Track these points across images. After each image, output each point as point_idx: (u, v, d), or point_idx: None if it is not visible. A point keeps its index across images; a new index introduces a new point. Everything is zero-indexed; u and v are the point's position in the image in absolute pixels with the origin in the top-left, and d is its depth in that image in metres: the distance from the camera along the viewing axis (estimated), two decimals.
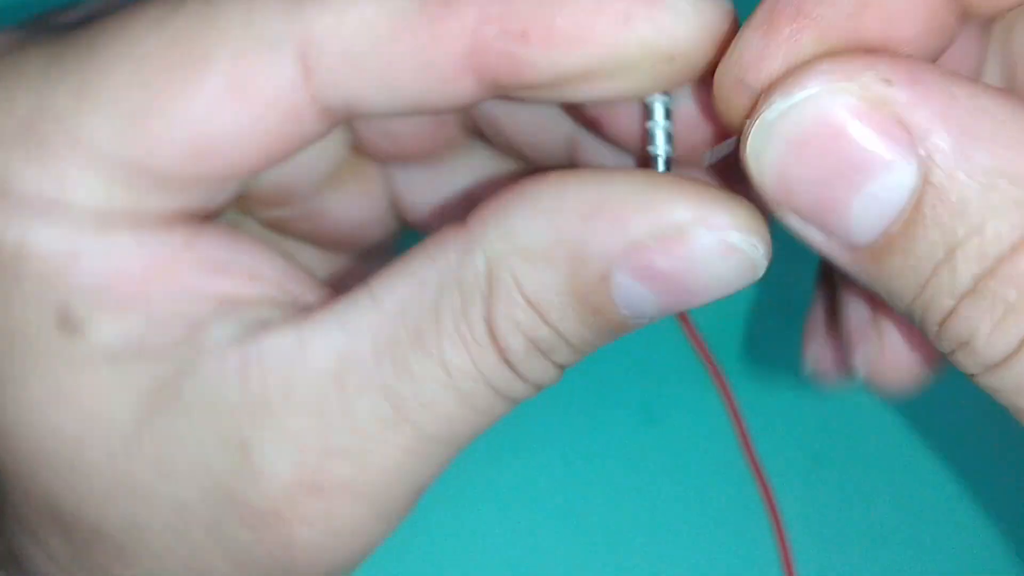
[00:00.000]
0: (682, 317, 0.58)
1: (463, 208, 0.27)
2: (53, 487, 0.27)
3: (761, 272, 0.26)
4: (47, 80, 0.26)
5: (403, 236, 0.37)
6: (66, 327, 0.26)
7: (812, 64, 0.23)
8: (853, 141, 0.23)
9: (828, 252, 0.25)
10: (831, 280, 0.34)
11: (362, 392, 0.26)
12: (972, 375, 0.24)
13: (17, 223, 0.25)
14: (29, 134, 0.25)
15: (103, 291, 0.26)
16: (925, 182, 0.23)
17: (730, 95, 0.25)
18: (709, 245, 0.25)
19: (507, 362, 0.26)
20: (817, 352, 0.34)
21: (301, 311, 0.28)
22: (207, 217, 0.28)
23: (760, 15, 0.25)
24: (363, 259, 0.37)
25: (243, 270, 0.27)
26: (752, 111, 0.24)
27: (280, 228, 0.34)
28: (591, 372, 0.52)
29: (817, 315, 0.35)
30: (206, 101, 0.25)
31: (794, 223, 0.25)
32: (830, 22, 0.24)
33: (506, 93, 0.27)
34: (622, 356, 0.56)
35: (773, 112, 0.24)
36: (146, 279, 0.26)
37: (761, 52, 0.24)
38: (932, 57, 0.25)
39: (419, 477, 0.28)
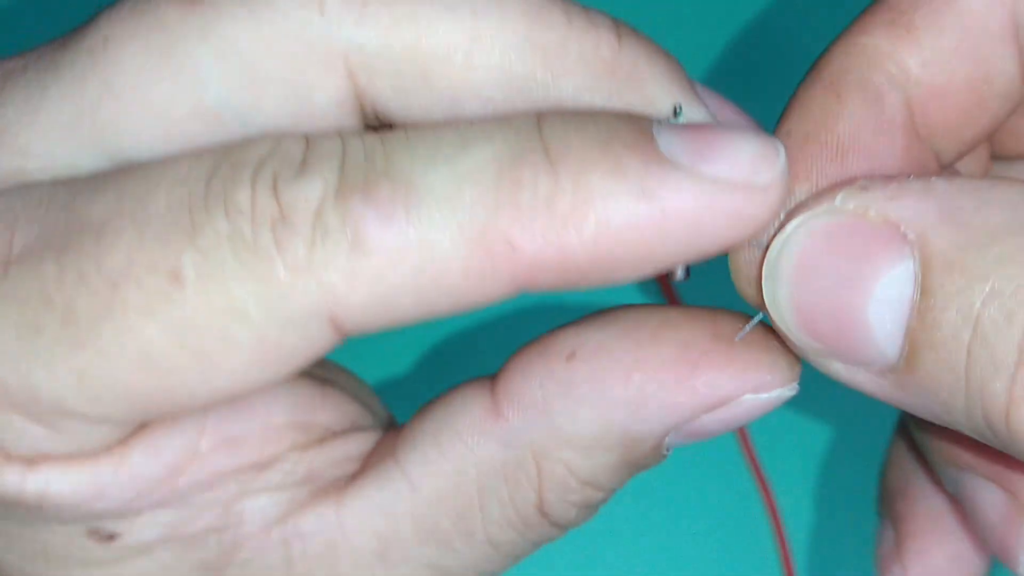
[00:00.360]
0: None
1: None
2: None
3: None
4: (23, 347, 0.23)
5: None
6: (98, 537, 0.26)
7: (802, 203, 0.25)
8: (846, 249, 0.24)
9: (880, 391, 0.25)
10: (930, 490, 0.33)
11: (407, 565, 0.27)
12: None
13: (32, 478, 0.25)
14: (27, 404, 0.24)
15: (129, 507, 0.26)
16: (924, 264, 0.23)
17: (746, 268, 0.26)
18: (755, 405, 0.26)
19: (555, 525, 0.28)
20: None
21: (319, 443, 0.28)
22: None
23: None
24: None
25: (256, 432, 0.27)
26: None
27: None
28: None
29: (887, 543, 0.34)
30: (231, 379, 0.24)
31: (838, 370, 0.25)
32: (819, 172, 0.25)
33: None
34: None
35: (773, 251, 0.25)
36: (168, 479, 0.26)
37: None
38: None
39: None
